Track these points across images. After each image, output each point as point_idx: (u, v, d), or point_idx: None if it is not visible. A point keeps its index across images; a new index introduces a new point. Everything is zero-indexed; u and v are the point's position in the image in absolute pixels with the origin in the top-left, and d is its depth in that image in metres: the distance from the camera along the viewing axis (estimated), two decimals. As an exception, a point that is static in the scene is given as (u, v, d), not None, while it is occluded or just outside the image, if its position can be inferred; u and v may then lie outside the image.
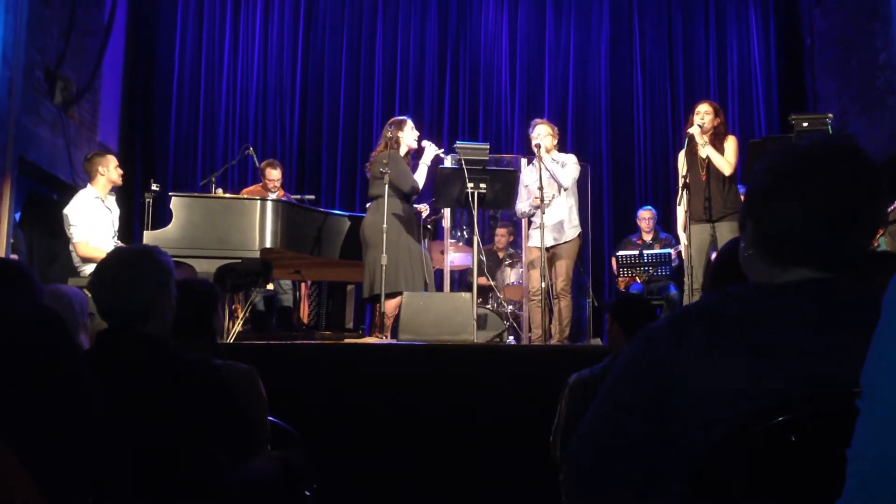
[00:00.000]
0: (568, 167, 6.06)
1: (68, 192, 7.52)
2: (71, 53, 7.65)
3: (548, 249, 6.04)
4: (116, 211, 6.11)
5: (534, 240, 6.15)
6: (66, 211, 5.83)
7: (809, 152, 1.19)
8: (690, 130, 5.67)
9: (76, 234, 5.76)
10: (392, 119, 6.12)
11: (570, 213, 6.05)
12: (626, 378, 1.22)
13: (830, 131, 5.28)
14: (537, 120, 6.40)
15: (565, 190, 6.08)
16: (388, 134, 5.89)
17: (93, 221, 5.81)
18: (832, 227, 1.16)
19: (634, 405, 1.18)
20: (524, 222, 6.68)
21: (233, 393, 2.14)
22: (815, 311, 1.14)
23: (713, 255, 5.70)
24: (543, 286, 5.78)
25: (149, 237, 5.45)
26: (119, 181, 6.07)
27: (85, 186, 5.99)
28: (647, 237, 7.76)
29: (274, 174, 7.17)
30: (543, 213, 5.79)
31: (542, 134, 6.15)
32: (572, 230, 6.07)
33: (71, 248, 5.86)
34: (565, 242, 6.06)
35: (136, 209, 8.21)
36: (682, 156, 5.88)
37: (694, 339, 1.15)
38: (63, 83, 7.49)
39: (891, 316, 0.86)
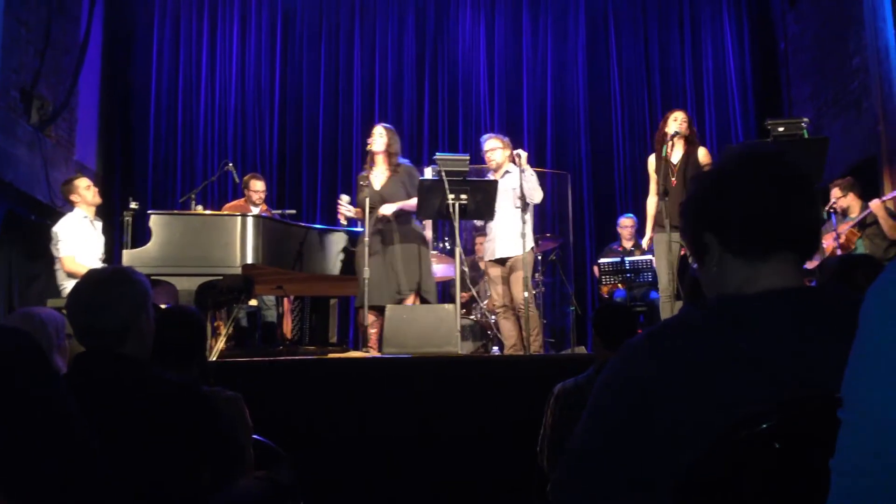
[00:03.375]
0: (534, 182, 6.00)
1: (46, 212, 7.47)
2: (47, 72, 7.61)
3: (503, 262, 6.02)
4: (103, 237, 6.12)
5: (488, 254, 6.14)
6: (55, 228, 5.84)
7: (734, 159, 1.29)
8: (669, 130, 5.73)
9: (63, 249, 5.74)
10: None
11: (520, 227, 5.90)
12: (607, 400, 1.22)
13: (806, 135, 5.32)
14: (488, 135, 6.36)
15: (535, 205, 6.05)
16: (369, 148, 5.92)
17: (81, 239, 5.81)
18: (783, 199, 1.22)
19: (617, 429, 1.18)
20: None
21: (216, 413, 2.12)
22: (793, 318, 1.16)
23: (680, 262, 5.75)
24: (526, 295, 5.75)
25: (128, 256, 5.39)
26: (95, 199, 6.05)
27: (62, 206, 5.96)
28: (628, 245, 7.83)
29: (258, 185, 7.15)
30: (525, 222, 5.78)
31: (492, 149, 6.13)
32: (524, 244, 5.91)
33: (56, 266, 5.82)
34: (519, 255, 5.95)
35: (115, 228, 8.15)
36: (652, 160, 5.92)
37: (674, 354, 1.16)
38: (39, 102, 7.44)
39: (869, 327, 0.87)
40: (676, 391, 1.13)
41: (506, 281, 6.03)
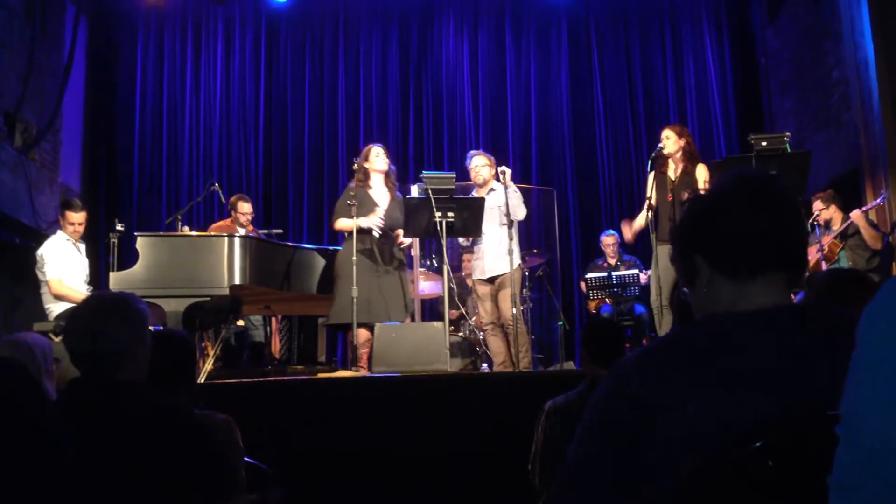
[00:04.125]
0: (519, 199, 6.04)
1: (31, 235, 7.44)
2: (30, 96, 7.59)
3: (492, 280, 6.04)
4: (86, 259, 6.08)
5: (477, 272, 6.14)
6: (40, 251, 5.81)
7: (729, 182, 1.32)
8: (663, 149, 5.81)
9: (49, 272, 5.71)
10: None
11: (511, 243, 5.95)
12: (601, 418, 1.23)
13: (789, 149, 5.39)
14: (473, 151, 6.41)
15: (519, 221, 6.07)
16: (355, 167, 5.93)
17: (66, 261, 5.78)
18: (771, 220, 1.25)
19: (611, 453, 1.19)
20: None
21: (209, 438, 2.12)
22: (783, 335, 1.17)
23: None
24: (515, 312, 5.75)
25: (115, 279, 5.37)
26: (74, 228, 5.96)
27: (46, 228, 5.93)
28: (612, 261, 7.90)
29: (245, 207, 7.14)
30: (511, 238, 5.80)
31: (480, 164, 6.16)
32: (514, 259, 5.92)
33: (43, 288, 5.78)
34: (505, 273, 5.96)
35: (100, 250, 8.11)
36: (650, 178, 5.97)
37: (666, 373, 1.17)
38: (23, 126, 7.42)
39: (865, 345, 0.89)
40: (669, 409, 1.14)
41: (494, 298, 6.04)
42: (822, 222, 6.53)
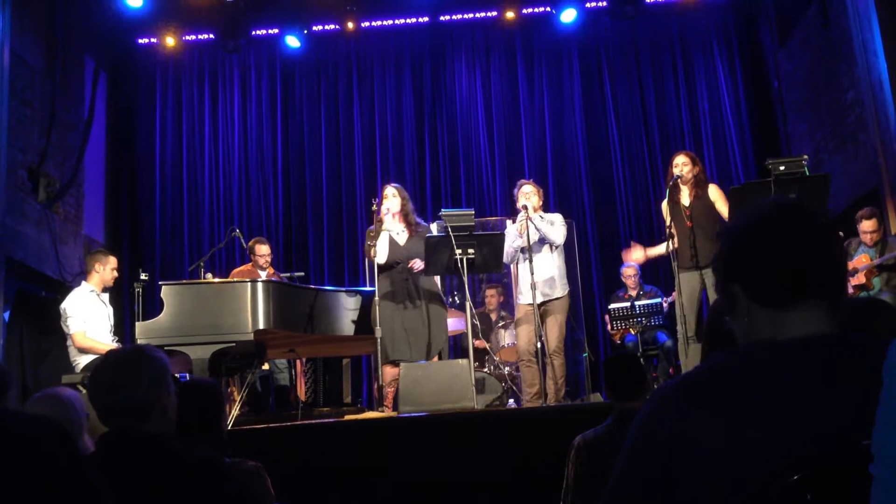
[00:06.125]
0: (557, 226, 6.09)
1: (56, 287, 7.52)
2: (53, 150, 7.73)
3: (539, 306, 6.05)
4: (111, 308, 6.13)
5: (524, 297, 6.14)
6: (64, 305, 5.85)
7: (763, 211, 1.32)
8: (675, 172, 5.81)
9: (73, 326, 5.75)
10: None
11: (559, 270, 6.05)
12: (639, 449, 1.24)
13: (807, 172, 5.36)
14: (523, 181, 6.46)
15: (556, 248, 6.11)
16: (374, 208, 5.99)
17: (89, 313, 5.83)
18: (806, 250, 1.25)
19: (649, 483, 1.20)
20: (513, 281, 6.65)
21: (240, 488, 2.12)
22: (819, 365, 1.17)
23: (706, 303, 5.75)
24: (539, 345, 5.75)
25: (141, 328, 5.41)
26: (111, 283, 6.05)
27: (71, 280, 5.98)
28: (633, 292, 7.86)
29: (263, 249, 7.21)
30: (533, 273, 5.80)
31: (529, 192, 6.20)
32: (562, 287, 6.06)
33: (69, 341, 5.83)
34: (556, 299, 6.04)
35: (125, 300, 8.18)
36: (664, 205, 5.97)
37: (703, 404, 1.18)
38: (46, 180, 7.54)
39: (893, 384, 0.88)
40: (706, 440, 1.15)
41: (541, 325, 6.00)
42: (870, 243, 6.37)
